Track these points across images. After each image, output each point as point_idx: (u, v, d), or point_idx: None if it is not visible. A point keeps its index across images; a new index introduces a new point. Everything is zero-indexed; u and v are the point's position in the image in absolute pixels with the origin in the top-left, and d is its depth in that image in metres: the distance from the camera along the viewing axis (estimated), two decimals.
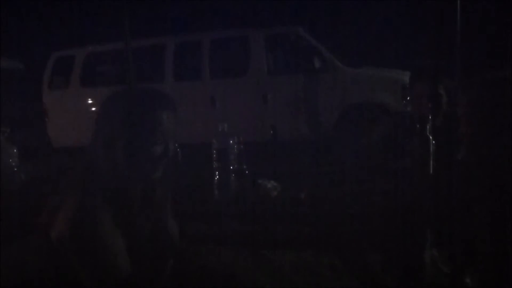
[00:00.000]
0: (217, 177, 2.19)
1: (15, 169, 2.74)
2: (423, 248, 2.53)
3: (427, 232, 2.21)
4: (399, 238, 2.22)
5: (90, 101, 7.87)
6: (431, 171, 2.25)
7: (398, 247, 2.49)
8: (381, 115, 6.20)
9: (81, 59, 8.03)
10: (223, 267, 2.99)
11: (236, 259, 2.85)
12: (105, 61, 8.28)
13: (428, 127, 2.32)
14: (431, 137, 2.29)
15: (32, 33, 9.66)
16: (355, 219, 2.21)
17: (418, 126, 2.41)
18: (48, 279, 1.38)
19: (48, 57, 8.15)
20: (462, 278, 2.61)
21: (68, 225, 1.34)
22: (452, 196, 2.22)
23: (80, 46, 8.24)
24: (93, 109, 7.66)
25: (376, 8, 8.74)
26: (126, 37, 6.24)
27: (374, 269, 2.73)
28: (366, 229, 2.27)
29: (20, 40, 9.31)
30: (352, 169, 2.80)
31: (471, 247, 2.45)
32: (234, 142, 2.20)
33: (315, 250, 2.86)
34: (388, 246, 2.51)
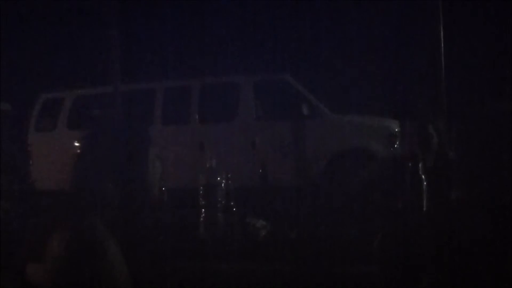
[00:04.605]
0: (204, 214, 2.11)
1: None
2: None
3: (423, 273, 2.13)
4: (394, 279, 2.14)
5: (76, 144, 7.77)
6: (425, 211, 2.20)
7: None
8: (369, 161, 6.20)
9: (69, 102, 8.00)
10: None
11: None
12: (94, 104, 8.25)
13: (420, 167, 2.29)
14: (423, 177, 2.26)
15: (20, 75, 9.67)
16: (346, 260, 2.12)
17: (409, 166, 2.38)
18: None
19: (35, 98, 8.12)
20: None
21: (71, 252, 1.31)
22: (448, 236, 2.17)
23: (69, 88, 8.24)
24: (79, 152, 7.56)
25: (363, 53, 8.96)
26: (116, 81, 6.27)
27: None
28: (357, 271, 2.18)
29: (8, 82, 9.30)
30: (341, 211, 2.74)
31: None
32: (222, 178, 2.13)
33: None
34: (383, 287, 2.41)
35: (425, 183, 2.30)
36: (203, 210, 2.13)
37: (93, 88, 8.15)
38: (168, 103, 7.76)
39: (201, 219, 2.12)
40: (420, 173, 2.29)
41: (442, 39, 4.28)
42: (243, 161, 7.11)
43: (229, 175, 2.15)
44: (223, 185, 2.14)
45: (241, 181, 5.55)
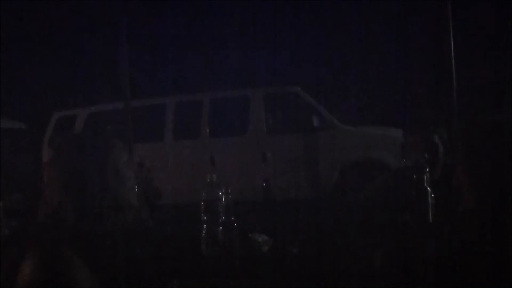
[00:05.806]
0: (205, 230, 2.08)
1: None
2: None
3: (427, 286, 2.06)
4: None
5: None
6: (431, 223, 2.14)
7: None
8: (380, 172, 6.14)
9: (82, 119, 8.09)
10: None
11: None
12: (106, 121, 8.34)
13: (425, 178, 2.24)
14: (429, 189, 2.21)
15: (34, 95, 9.86)
16: (350, 275, 2.06)
17: (414, 177, 2.33)
18: None
19: (49, 116, 8.24)
20: None
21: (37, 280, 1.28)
22: (454, 249, 2.10)
23: (82, 106, 8.35)
24: None
25: (372, 65, 8.94)
26: (126, 97, 6.32)
27: None
28: (361, 286, 2.12)
29: (22, 101, 9.50)
30: (349, 224, 2.69)
31: None
32: (223, 193, 2.10)
33: None
34: None
35: (432, 195, 2.24)
36: (204, 225, 2.10)
37: (105, 104, 8.24)
38: (178, 118, 7.79)
39: (203, 234, 2.09)
40: (426, 184, 2.23)
41: (452, 46, 4.23)
42: (254, 174, 7.09)
43: (229, 190, 2.13)
44: (223, 199, 2.11)
45: (252, 195, 5.52)
